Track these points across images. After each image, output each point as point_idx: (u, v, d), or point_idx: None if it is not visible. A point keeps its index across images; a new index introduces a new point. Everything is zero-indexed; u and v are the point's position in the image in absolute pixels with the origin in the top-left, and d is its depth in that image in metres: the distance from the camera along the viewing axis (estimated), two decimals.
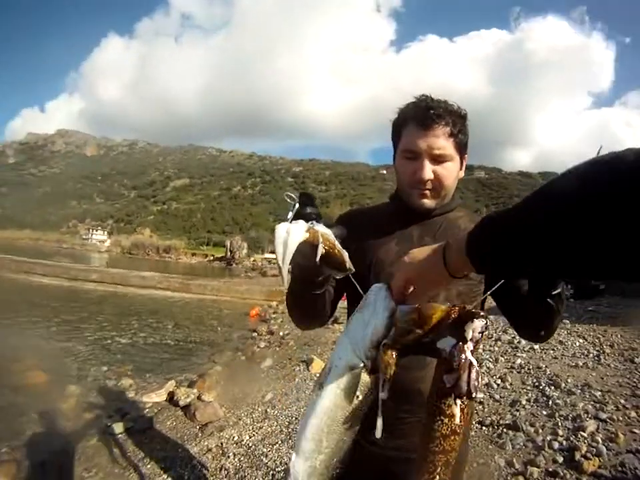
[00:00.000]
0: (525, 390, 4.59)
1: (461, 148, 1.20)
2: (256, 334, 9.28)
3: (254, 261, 76.02)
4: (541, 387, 4.61)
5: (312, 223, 0.87)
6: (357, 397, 0.77)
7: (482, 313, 0.71)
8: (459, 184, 1.28)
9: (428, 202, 1.19)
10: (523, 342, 6.81)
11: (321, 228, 0.85)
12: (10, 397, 4.58)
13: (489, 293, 1.03)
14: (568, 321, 8.55)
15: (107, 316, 10.77)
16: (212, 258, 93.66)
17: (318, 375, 0.83)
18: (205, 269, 53.78)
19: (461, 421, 0.72)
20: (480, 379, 0.71)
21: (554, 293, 0.98)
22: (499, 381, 4.89)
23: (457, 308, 0.73)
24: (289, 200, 0.95)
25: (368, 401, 0.78)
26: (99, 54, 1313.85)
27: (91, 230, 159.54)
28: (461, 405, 0.71)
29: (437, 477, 0.74)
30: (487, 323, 0.72)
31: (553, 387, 4.57)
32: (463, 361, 0.69)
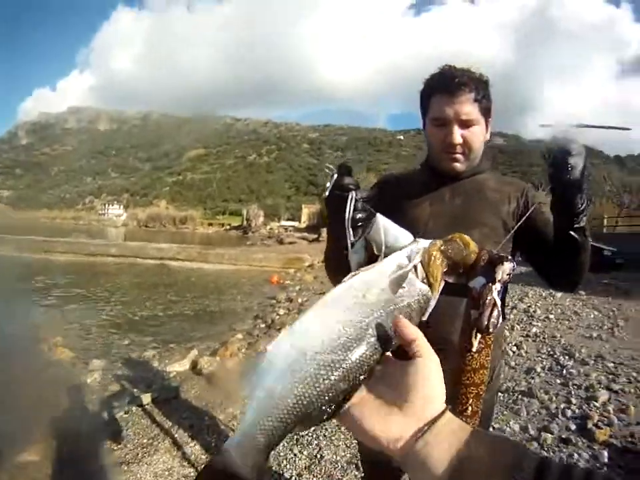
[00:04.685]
0: (539, 358, 4.65)
1: (486, 112, 1.28)
2: (275, 301, 9.38)
3: (270, 229, 76.33)
4: (555, 356, 4.66)
5: (350, 193, 0.91)
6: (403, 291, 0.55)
7: (509, 257, 0.77)
8: None
9: (459, 165, 1.28)
10: (539, 311, 6.86)
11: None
12: (35, 374, 4.57)
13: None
14: (583, 292, 8.54)
15: (127, 289, 10.98)
16: (229, 227, 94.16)
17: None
18: (222, 238, 54.03)
19: (486, 355, 0.80)
20: (499, 319, 0.77)
21: (576, 226, 1.09)
22: (514, 349, 4.96)
23: (485, 250, 0.78)
24: (328, 171, 0.99)
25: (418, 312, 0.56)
26: (108, 28, 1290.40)
27: (106, 205, 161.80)
28: (485, 341, 0.79)
29: (470, 407, 0.81)
30: (514, 266, 0.77)
31: (567, 357, 4.62)
32: (489, 299, 0.75)
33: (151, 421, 3.48)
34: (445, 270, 0.64)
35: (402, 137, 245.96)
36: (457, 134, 1.22)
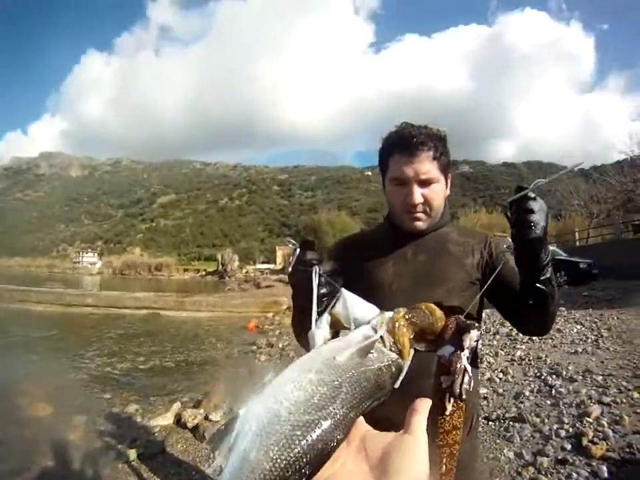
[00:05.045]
0: (527, 381, 4.65)
1: (445, 168, 1.29)
2: (256, 347, 9.25)
3: (246, 272, 76.11)
4: (542, 377, 4.66)
5: (314, 269, 0.92)
6: (373, 359, 0.54)
7: (476, 324, 0.78)
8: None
9: (420, 224, 1.29)
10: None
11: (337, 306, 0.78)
12: (17, 431, 4.51)
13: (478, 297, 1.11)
14: (564, 308, 8.61)
15: (105, 341, 10.68)
16: (204, 272, 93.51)
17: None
18: (199, 284, 53.53)
19: (459, 417, 0.81)
20: (471, 384, 0.78)
21: (542, 278, 1.10)
22: (500, 375, 4.94)
23: (453, 318, 0.78)
24: (290, 246, 1.02)
25: (385, 378, 0.54)
26: (79, 72, 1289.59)
27: (81, 253, 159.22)
28: (457, 404, 0.80)
29: (444, 466, 0.82)
30: (481, 332, 0.79)
31: (554, 376, 4.63)
32: (459, 367, 0.76)
33: (138, 478, 3.40)
34: (412, 336, 0.66)
35: (370, 173, 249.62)
36: (417, 194, 1.23)
